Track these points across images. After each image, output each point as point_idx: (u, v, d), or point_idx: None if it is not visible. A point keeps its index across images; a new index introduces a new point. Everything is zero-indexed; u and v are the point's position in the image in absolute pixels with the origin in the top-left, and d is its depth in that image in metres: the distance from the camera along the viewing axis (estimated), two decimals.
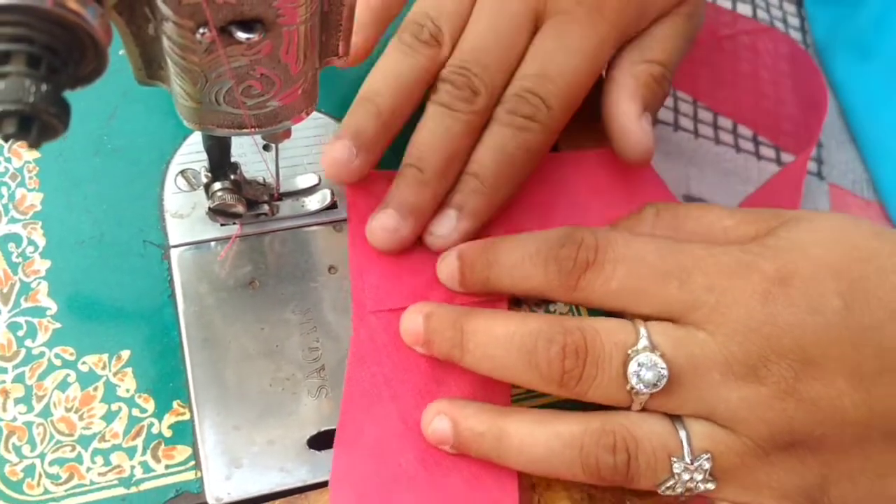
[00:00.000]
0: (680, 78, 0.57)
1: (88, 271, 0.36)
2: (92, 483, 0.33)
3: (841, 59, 0.59)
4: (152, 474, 0.33)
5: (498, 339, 0.33)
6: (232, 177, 0.35)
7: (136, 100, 0.40)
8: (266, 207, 0.37)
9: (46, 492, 0.32)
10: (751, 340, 0.32)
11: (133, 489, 0.33)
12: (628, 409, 0.33)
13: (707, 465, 0.32)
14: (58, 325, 0.35)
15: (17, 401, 0.34)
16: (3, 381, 0.34)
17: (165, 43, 0.26)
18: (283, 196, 0.38)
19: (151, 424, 0.34)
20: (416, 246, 0.37)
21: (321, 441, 0.35)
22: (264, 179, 0.38)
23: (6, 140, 0.21)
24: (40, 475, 0.33)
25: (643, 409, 0.33)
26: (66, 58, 0.22)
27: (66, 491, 0.32)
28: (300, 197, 0.38)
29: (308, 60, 0.28)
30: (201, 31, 0.25)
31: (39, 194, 0.38)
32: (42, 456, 0.33)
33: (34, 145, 0.22)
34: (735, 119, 0.57)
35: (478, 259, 0.36)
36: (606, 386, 0.32)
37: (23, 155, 0.38)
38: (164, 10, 0.25)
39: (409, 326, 0.35)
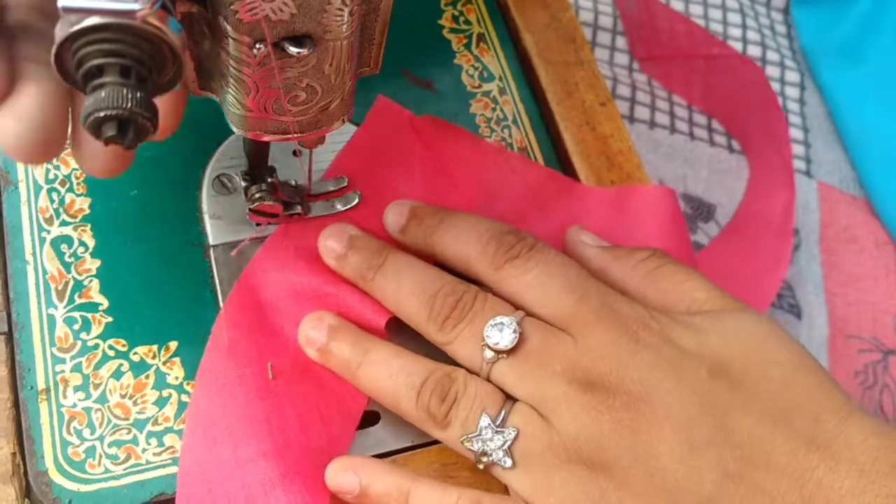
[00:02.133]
0: (676, 84, 0.60)
1: (136, 269, 0.39)
2: (148, 462, 0.35)
3: (827, 62, 0.62)
4: None
5: (412, 275, 0.38)
6: (269, 179, 0.38)
7: None
8: (299, 208, 0.40)
9: (107, 471, 0.35)
10: (603, 359, 0.34)
11: None
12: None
13: (510, 436, 0.34)
14: (109, 319, 0.38)
15: (76, 388, 0.36)
16: (63, 371, 0.37)
17: (222, 57, 0.29)
18: (314, 196, 0.41)
19: None
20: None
21: None
22: (296, 182, 0.41)
23: (106, 143, 0.24)
24: (100, 456, 0.35)
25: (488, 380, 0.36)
26: (150, 68, 0.25)
27: (124, 470, 0.35)
28: (330, 198, 0.41)
29: (347, 72, 0.31)
30: (257, 46, 0.28)
31: (87, 199, 0.40)
32: (101, 438, 0.36)
33: (131, 147, 0.24)
34: (726, 125, 0.60)
35: (430, 215, 0.40)
36: (467, 339, 0.36)
37: (70, 163, 0.41)
38: (225, 27, 0.28)
39: (329, 242, 0.39)
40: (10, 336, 0.37)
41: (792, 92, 0.62)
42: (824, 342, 0.54)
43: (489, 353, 0.35)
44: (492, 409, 0.35)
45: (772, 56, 0.63)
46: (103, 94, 0.23)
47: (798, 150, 0.60)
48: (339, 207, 0.41)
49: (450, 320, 0.36)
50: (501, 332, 0.35)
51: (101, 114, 0.23)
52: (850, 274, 0.57)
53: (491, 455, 0.34)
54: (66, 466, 0.35)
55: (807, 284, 0.56)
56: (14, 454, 0.35)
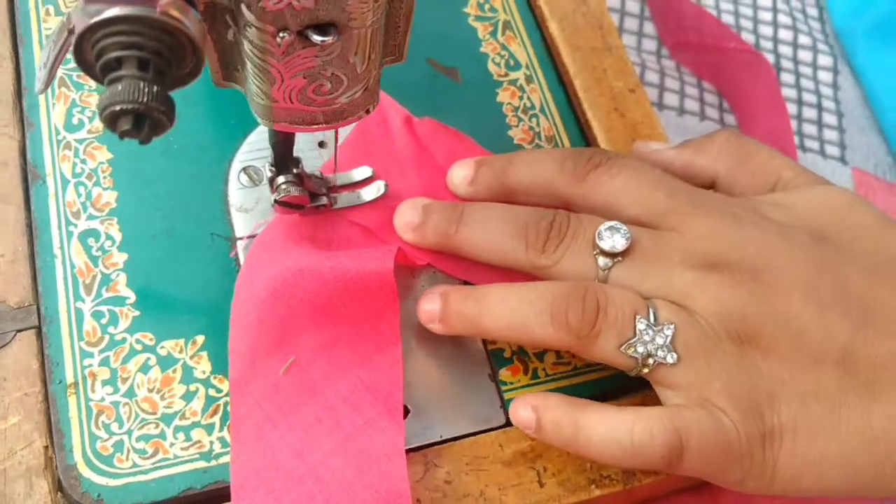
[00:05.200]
0: (705, 71, 0.59)
1: (162, 263, 0.39)
2: (176, 457, 0.35)
3: (862, 44, 0.61)
4: (229, 449, 0.36)
5: (495, 214, 0.38)
6: (295, 170, 0.38)
7: (197, 103, 0.43)
8: (325, 199, 0.40)
9: (135, 465, 0.35)
10: (716, 241, 0.35)
11: (213, 462, 0.35)
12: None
13: (669, 333, 0.34)
14: (137, 312, 0.38)
15: (104, 383, 0.36)
16: (91, 365, 0.36)
17: (246, 47, 0.29)
18: (340, 188, 0.40)
19: (227, 403, 0.37)
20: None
21: None
22: (321, 174, 0.40)
23: (121, 137, 0.24)
24: (128, 450, 0.35)
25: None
26: (169, 61, 0.24)
27: (152, 464, 0.35)
28: (356, 189, 0.41)
29: (372, 61, 0.31)
30: (281, 35, 0.28)
31: (114, 192, 0.40)
32: (129, 433, 0.35)
33: (145, 141, 0.24)
34: (738, 121, 0.59)
35: (497, 159, 0.40)
36: (575, 254, 0.36)
37: (96, 156, 0.41)
38: (248, 16, 0.27)
39: (405, 217, 0.39)
40: (39, 330, 0.37)
41: (825, 76, 0.61)
42: None
43: (603, 260, 0.36)
44: (641, 309, 0.34)
45: (803, 40, 0.62)
46: (120, 87, 0.23)
47: (832, 135, 0.59)
48: (366, 198, 0.41)
49: (550, 242, 0.36)
50: (613, 236, 0.35)
51: (117, 107, 0.23)
52: None
53: (655, 355, 0.34)
54: (94, 461, 0.35)
55: None
56: (46, 447, 0.35)
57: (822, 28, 0.64)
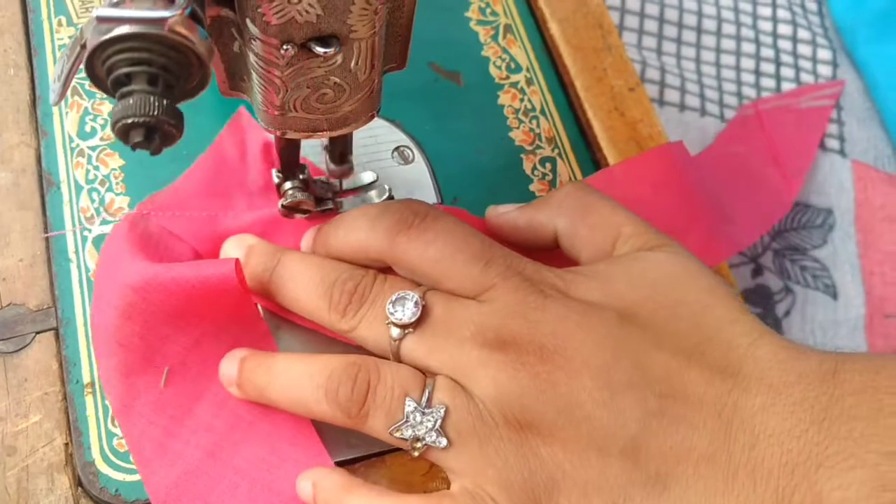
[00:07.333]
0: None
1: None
2: None
3: (862, 37, 0.62)
4: None
5: (306, 268, 0.37)
6: (301, 176, 0.39)
7: (203, 112, 0.44)
8: (331, 204, 0.41)
9: None
10: (512, 318, 0.33)
11: None
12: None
13: (439, 415, 0.33)
14: None
15: None
16: None
17: (251, 58, 0.30)
18: (345, 192, 0.42)
19: None
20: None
21: None
22: (328, 179, 0.42)
23: (133, 149, 0.25)
24: None
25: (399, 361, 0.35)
26: (177, 75, 0.26)
27: None
28: (361, 192, 0.42)
29: (374, 69, 0.32)
30: (285, 47, 0.29)
31: (126, 198, 0.42)
32: None
33: (156, 152, 0.25)
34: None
35: (320, 232, 0.39)
36: (371, 321, 0.35)
37: (109, 163, 0.42)
38: (253, 29, 0.29)
39: (227, 254, 0.38)
40: (57, 332, 0.38)
41: (824, 70, 0.62)
42: (861, 322, 0.53)
43: (395, 331, 0.34)
44: (414, 390, 0.33)
45: (803, 34, 0.62)
46: (131, 101, 0.24)
47: (831, 128, 0.59)
48: (376, 201, 0.42)
49: (351, 306, 0.35)
50: (404, 306, 0.34)
51: (129, 120, 0.24)
52: (887, 253, 0.56)
53: (424, 439, 0.33)
54: (111, 457, 0.36)
55: (843, 265, 0.55)
56: (67, 444, 0.36)
57: (821, 22, 0.64)
